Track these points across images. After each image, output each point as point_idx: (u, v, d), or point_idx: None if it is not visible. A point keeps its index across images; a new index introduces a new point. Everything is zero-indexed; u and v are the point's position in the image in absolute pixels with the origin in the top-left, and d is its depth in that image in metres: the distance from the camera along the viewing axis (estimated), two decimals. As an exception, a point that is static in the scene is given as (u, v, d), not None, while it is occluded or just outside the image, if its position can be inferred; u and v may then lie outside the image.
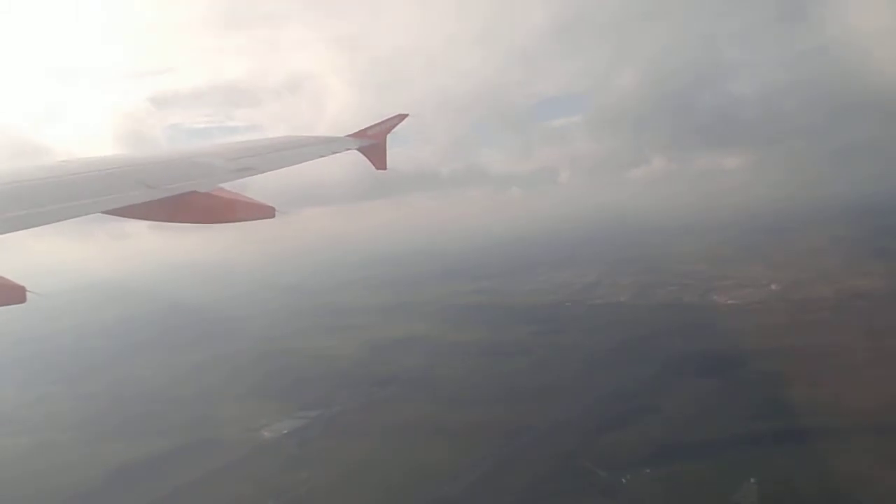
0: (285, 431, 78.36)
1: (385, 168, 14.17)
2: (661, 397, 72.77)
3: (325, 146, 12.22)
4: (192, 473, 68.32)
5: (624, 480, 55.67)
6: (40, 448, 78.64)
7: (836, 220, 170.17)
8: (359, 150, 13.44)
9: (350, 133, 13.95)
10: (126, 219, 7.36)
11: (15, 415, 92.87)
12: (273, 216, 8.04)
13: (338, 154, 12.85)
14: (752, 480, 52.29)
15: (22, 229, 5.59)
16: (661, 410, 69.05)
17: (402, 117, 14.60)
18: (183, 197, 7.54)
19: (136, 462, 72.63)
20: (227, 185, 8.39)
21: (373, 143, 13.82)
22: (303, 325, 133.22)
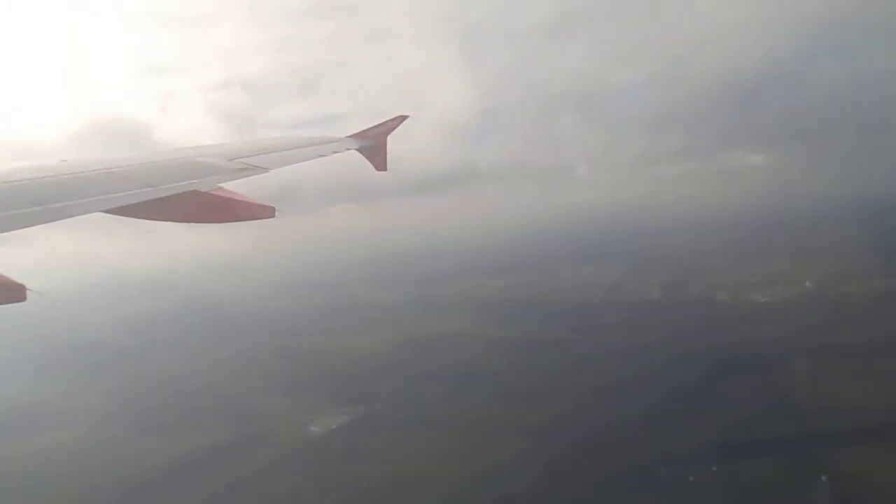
0: (334, 427, 78.66)
1: (385, 169, 14.19)
2: (714, 395, 72.61)
3: (325, 146, 12.30)
4: (249, 467, 68.86)
5: (691, 479, 55.66)
6: (91, 442, 79.52)
7: (868, 218, 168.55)
8: (359, 150, 13.51)
9: (351, 134, 14.00)
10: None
11: (59, 409, 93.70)
12: (273, 216, 8.12)
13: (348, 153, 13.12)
14: (823, 478, 52.17)
15: (21, 228, 5.58)
16: (716, 408, 68.86)
17: (402, 118, 14.53)
18: (183, 196, 7.56)
19: (190, 456, 73.21)
20: (229, 185, 8.40)
21: (373, 145, 13.88)
22: (335, 322, 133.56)
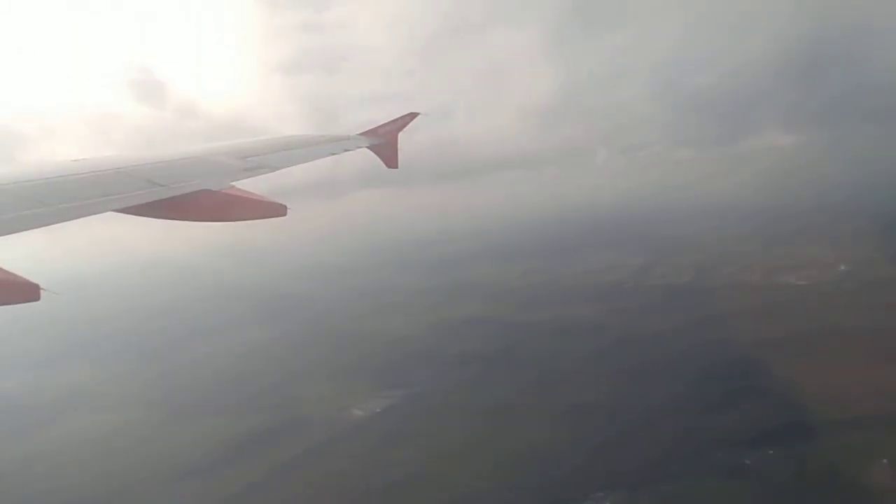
0: (378, 410, 78.96)
1: (396, 167, 14.26)
2: (760, 378, 72.03)
3: (336, 144, 12.38)
4: (294, 449, 69.52)
5: (748, 462, 55.44)
6: (140, 425, 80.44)
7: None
8: (369, 148, 13.58)
9: (361, 132, 14.04)
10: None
11: (106, 393, 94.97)
12: (285, 214, 8.15)
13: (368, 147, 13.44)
14: (885, 461, 51.80)
15: (33, 228, 5.64)
16: (764, 392, 68.38)
17: (413, 116, 14.53)
18: (194, 195, 7.64)
19: (235, 440, 74.00)
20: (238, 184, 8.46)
21: (384, 142, 13.93)
22: (364, 306, 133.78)
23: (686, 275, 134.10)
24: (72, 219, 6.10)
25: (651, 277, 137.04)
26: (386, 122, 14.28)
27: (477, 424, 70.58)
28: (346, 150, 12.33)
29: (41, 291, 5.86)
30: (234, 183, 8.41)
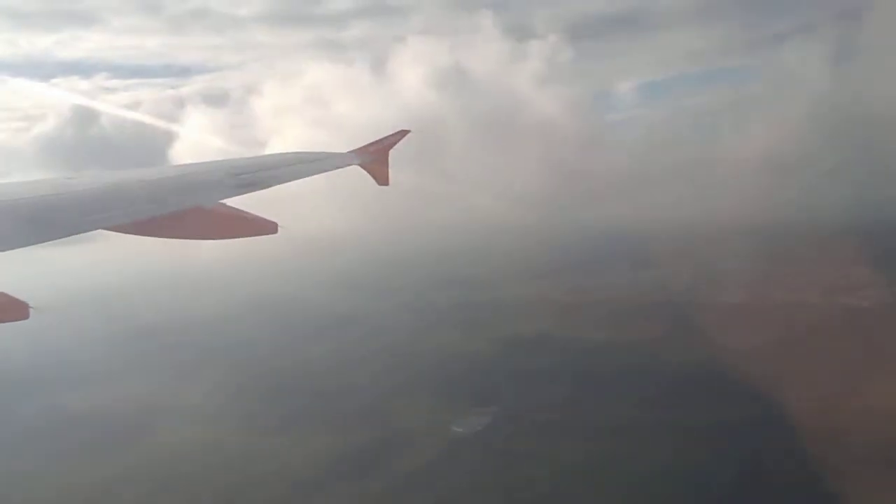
0: (479, 428, 78.49)
1: (387, 184, 14.54)
2: (869, 396, 72.30)
3: (327, 162, 12.59)
4: (411, 466, 69.21)
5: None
6: (233, 440, 79.66)
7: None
8: (360, 165, 13.81)
9: (352, 149, 14.29)
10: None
11: (178, 405, 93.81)
12: (276, 232, 8.30)
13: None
14: None
15: (26, 246, 5.77)
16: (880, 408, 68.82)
17: (403, 133, 14.80)
18: (186, 213, 7.79)
19: (339, 456, 73.40)
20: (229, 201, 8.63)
21: (375, 160, 14.17)
22: (415, 322, 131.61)
23: (739, 293, 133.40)
24: (62, 237, 6.17)
25: (701, 296, 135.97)
26: (377, 139, 14.48)
27: (591, 444, 70.40)
28: (336, 168, 12.55)
29: (30, 310, 6.01)
30: (224, 201, 8.47)
